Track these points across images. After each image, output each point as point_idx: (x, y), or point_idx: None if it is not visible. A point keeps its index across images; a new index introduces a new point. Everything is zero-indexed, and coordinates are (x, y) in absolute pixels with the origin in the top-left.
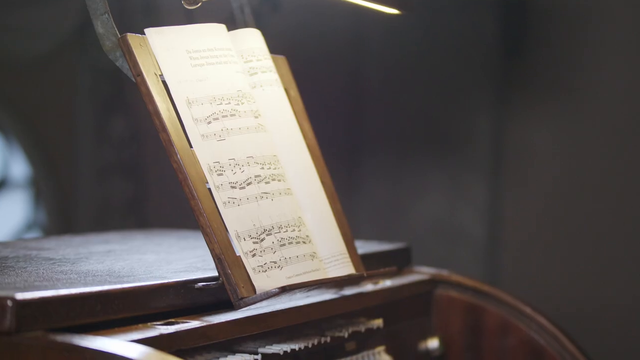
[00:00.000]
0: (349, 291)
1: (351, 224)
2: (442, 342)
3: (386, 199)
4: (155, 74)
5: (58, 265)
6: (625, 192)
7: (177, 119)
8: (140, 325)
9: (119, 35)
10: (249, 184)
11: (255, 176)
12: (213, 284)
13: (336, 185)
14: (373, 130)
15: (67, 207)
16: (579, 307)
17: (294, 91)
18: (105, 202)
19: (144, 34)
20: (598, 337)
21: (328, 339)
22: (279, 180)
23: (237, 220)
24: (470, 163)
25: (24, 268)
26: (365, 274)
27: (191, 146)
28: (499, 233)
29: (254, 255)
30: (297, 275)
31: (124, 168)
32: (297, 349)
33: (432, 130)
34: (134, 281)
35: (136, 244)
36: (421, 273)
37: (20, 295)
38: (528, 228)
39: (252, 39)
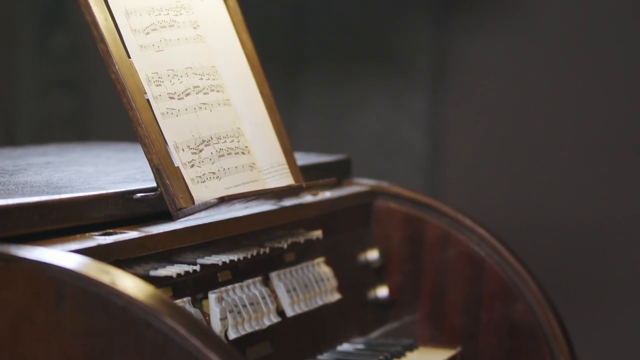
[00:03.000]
0: (288, 202)
1: (291, 137)
2: (382, 253)
3: (326, 111)
4: None
5: None
6: (568, 105)
7: (115, 29)
8: (78, 235)
9: None
10: (187, 94)
11: (194, 87)
12: (151, 194)
13: (276, 97)
14: (314, 42)
15: (7, 122)
16: (520, 220)
17: (233, 2)
18: (46, 116)
19: None
20: (537, 249)
21: (267, 250)
22: (218, 91)
23: (175, 131)
24: (412, 76)
25: None
26: (304, 185)
27: (129, 57)
28: (440, 147)
29: (192, 165)
30: (236, 185)
31: (64, 82)
32: (236, 259)
33: (373, 43)
34: (72, 192)
35: (74, 156)
36: (361, 185)
37: None
38: (470, 142)
39: None
